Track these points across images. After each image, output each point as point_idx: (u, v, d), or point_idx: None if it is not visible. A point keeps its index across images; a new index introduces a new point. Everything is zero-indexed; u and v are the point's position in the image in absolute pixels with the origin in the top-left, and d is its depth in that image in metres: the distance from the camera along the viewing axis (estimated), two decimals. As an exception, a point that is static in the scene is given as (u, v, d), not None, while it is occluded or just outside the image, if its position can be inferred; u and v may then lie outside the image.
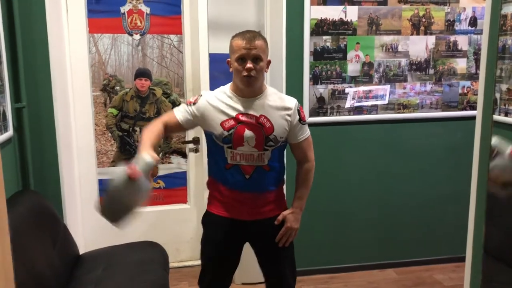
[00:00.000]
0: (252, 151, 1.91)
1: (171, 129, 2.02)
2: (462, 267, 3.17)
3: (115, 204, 1.75)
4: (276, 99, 1.96)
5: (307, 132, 2.03)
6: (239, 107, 1.91)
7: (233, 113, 1.91)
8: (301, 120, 1.98)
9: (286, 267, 2.09)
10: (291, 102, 1.98)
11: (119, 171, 1.68)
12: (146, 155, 1.73)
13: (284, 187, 2.14)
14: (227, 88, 1.97)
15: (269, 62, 1.95)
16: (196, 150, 3.11)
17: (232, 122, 1.90)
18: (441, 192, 3.22)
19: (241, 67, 1.84)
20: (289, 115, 1.94)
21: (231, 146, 1.91)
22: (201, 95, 1.98)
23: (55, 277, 2.13)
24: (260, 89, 1.94)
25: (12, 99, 2.41)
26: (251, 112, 1.91)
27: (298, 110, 1.98)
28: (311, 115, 2.91)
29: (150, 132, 1.90)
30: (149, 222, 3.15)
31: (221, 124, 1.90)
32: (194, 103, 1.95)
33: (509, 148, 1.80)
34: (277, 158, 1.99)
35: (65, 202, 2.77)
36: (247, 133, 1.89)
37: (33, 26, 2.55)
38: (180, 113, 1.97)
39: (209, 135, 1.97)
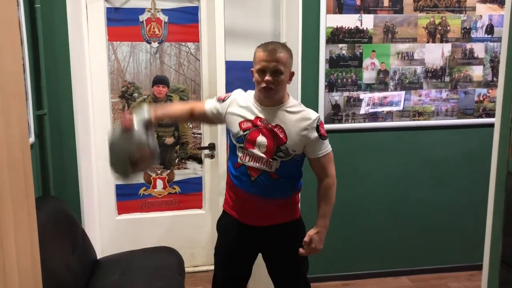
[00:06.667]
0: (261, 156, 1.94)
1: (198, 116, 2.16)
2: (477, 276, 3.19)
3: (116, 155, 1.80)
4: (296, 112, 1.96)
5: (327, 148, 2.00)
6: (259, 114, 1.96)
7: (252, 117, 1.96)
8: (321, 136, 1.96)
9: (297, 279, 2.10)
10: (312, 115, 1.96)
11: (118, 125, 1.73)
12: (145, 107, 1.85)
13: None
14: (251, 94, 2.03)
15: (292, 74, 1.96)
16: (211, 156, 3.14)
17: (249, 124, 1.95)
18: (456, 200, 3.20)
19: (260, 78, 1.88)
20: (306, 129, 1.93)
21: (243, 146, 1.96)
22: (231, 94, 2.07)
23: (74, 281, 2.17)
24: (281, 100, 1.96)
25: (33, 106, 2.47)
26: (268, 120, 1.94)
27: (318, 126, 1.94)
28: (326, 122, 2.92)
29: (173, 104, 2.03)
30: (165, 227, 3.19)
31: (240, 123, 1.96)
32: (223, 100, 2.06)
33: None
34: (288, 170, 1.98)
35: (83, 207, 2.82)
36: (260, 138, 1.93)
37: (54, 35, 2.61)
38: (209, 105, 2.10)
39: (228, 133, 2.06)
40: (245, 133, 1.95)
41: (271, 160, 1.93)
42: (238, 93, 2.07)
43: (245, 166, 1.96)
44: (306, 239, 1.97)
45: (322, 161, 1.99)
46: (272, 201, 1.99)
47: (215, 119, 2.09)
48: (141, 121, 1.80)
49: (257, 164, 1.95)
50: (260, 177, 1.95)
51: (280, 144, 1.92)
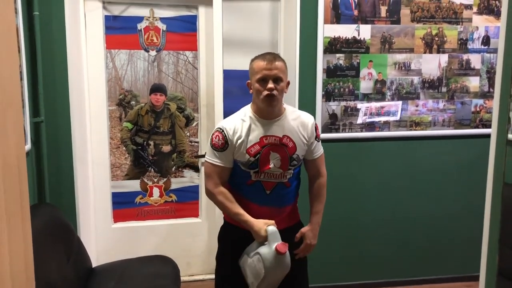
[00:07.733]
0: (277, 170, 1.94)
1: (227, 178, 2.01)
2: (474, 286, 3.17)
3: (273, 281, 1.89)
4: (295, 118, 1.99)
5: (321, 149, 2.08)
6: (262, 130, 1.93)
7: (257, 138, 1.93)
8: (317, 137, 2.03)
9: (301, 283, 2.09)
10: (309, 119, 2.02)
11: (267, 255, 1.83)
12: (270, 227, 1.85)
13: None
14: (248, 110, 1.99)
15: (288, 83, 1.97)
16: (208, 165, 3.13)
17: (257, 147, 1.92)
18: (452, 210, 3.20)
19: (262, 87, 1.87)
20: (308, 133, 1.99)
21: (257, 170, 1.93)
22: (220, 130, 1.95)
23: (69, 290, 2.16)
24: (280, 110, 1.97)
25: (30, 114, 2.46)
26: (274, 134, 1.93)
27: (315, 128, 2.02)
28: (323, 131, 2.93)
29: (232, 203, 1.94)
30: (161, 236, 3.17)
31: (247, 151, 1.92)
32: (225, 144, 1.93)
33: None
34: (296, 175, 2.03)
35: (79, 215, 2.80)
36: (273, 155, 1.92)
37: (52, 42, 2.61)
38: (223, 161, 1.95)
39: (234, 162, 1.98)
40: (256, 157, 1.92)
41: (286, 171, 1.96)
42: (225, 125, 1.95)
43: (260, 182, 1.96)
44: (298, 235, 2.02)
45: (317, 162, 2.07)
46: (283, 209, 2.02)
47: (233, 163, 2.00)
48: (278, 236, 1.86)
49: (272, 178, 1.96)
50: (275, 189, 1.97)
51: (292, 153, 1.95)
